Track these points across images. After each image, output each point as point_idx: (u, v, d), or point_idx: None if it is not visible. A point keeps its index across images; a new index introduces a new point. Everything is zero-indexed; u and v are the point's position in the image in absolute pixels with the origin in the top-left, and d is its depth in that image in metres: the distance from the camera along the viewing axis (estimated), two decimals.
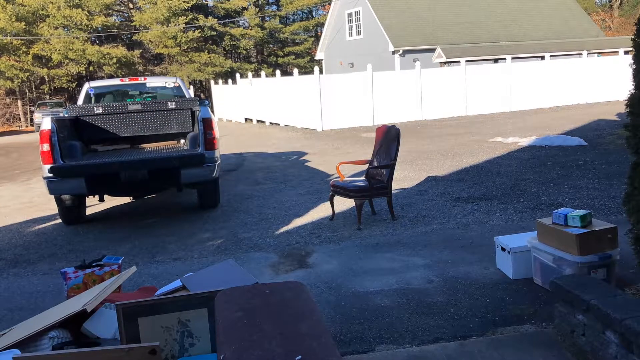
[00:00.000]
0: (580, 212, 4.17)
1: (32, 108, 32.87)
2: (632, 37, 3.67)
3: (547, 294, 4.11)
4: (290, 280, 4.65)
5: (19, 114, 35.20)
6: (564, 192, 7.42)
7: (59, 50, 31.87)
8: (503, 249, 4.63)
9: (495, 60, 22.78)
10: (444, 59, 22.70)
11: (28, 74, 32.68)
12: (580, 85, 21.75)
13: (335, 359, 1.19)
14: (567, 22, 27.93)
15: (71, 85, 34.63)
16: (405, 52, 23.54)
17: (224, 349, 1.27)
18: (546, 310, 3.88)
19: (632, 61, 3.69)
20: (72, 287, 4.19)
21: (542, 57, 22.48)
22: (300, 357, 1.21)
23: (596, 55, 24.32)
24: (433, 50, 23.55)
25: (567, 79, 21.54)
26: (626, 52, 22.64)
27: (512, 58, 21.48)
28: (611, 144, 11.15)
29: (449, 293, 4.33)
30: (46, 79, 34.91)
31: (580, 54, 22.70)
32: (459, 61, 21.61)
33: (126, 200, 8.73)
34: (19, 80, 32.50)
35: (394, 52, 23.52)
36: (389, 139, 6.58)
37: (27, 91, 35.82)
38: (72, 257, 6.03)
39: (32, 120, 32.36)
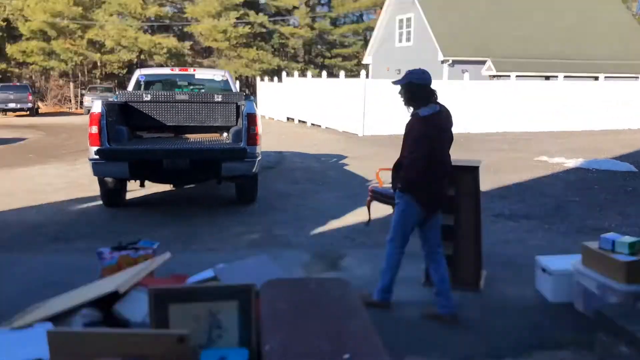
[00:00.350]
0: (630, 238, 3.98)
1: (83, 91, 33.82)
2: None
3: (587, 321, 3.93)
4: (338, 277, 4.58)
5: (70, 96, 36.29)
6: (610, 218, 7.14)
7: (113, 36, 32.74)
8: (544, 270, 4.48)
9: (547, 77, 22.23)
10: (494, 72, 22.30)
11: (82, 57, 33.67)
12: (634, 109, 20.98)
13: None
14: (625, 43, 27.03)
15: (122, 71, 35.50)
16: (454, 62, 23.23)
17: (270, 340, 1.22)
18: (586, 339, 3.71)
19: None
20: (106, 268, 4.24)
21: (596, 78, 21.83)
22: (348, 355, 1.16)
23: None
24: (483, 62, 23.16)
25: (620, 102, 20.80)
26: None
27: (565, 76, 20.92)
28: None
29: (484, 310, 4.20)
30: (98, 64, 35.87)
31: (637, 77, 21.93)
32: (509, 75, 21.18)
33: (166, 188, 8.85)
34: (73, 64, 33.51)
35: (443, 62, 23.23)
36: None
37: (79, 74, 36.90)
38: (110, 238, 6.11)
39: (81, 102, 33.30)
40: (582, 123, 20.41)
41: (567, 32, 26.50)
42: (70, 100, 36.15)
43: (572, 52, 25.45)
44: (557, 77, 20.77)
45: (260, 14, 36.84)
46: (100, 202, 7.75)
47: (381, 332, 3.81)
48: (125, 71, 35.63)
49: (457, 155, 14.09)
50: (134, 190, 8.64)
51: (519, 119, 19.80)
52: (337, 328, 1.30)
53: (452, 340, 3.70)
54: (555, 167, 11.48)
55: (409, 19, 26.29)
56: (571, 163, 11.77)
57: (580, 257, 4.24)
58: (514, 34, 25.25)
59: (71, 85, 36.37)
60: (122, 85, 37.65)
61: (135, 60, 35.20)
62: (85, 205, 7.79)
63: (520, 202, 8.08)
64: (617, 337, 3.15)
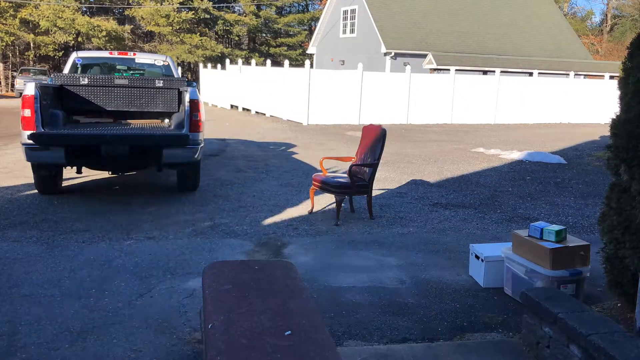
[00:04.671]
0: (556, 227, 4.23)
1: (15, 73, 32.18)
2: (623, 61, 3.73)
3: (516, 305, 4.17)
4: (280, 259, 4.64)
5: (0, 78, 34.45)
6: (540, 207, 7.53)
7: (48, 17, 31.25)
8: (477, 257, 4.69)
9: (484, 72, 22.98)
10: (434, 66, 22.82)
11: (13, 38, 31.99)
12: (565, 105, 22.10)
13: (324, 337, 1.19)
14: (557, 42, 28.30)
15: (57, 54, 34.00)
16: (396, 55, 23.61)
17: (213, 318, 1.26)
18: (514, 320, 3.94)
19: (620, 84, 3.76)
20: None
21: (531, 74, 22.76)
22: (289, 332, 1.21)
23: (582, 77, 24.71)
24: (424, 55, 23.66)
25: (552, 97, 21.87)
26: (612, 77, 23.05)
27: (501, 72, 21.69)
28: (589, 165, 11.34)
29: (420, 295, 4.37)
30: (32, 46, 34.21)
31: (568, 74, 23.03)
32: (448, 69, 21.75)
33: (104, 175, 8.62)
34: (4, 44, 31.79)
35: (385, 54, 23.56)
36: (375, 139, 6.61)
37: (10, 55, 35.08)
38: (45, 226, 5.94)
39: (13, 85, 31.68)
40: (517, 116, 21.32)
41: (503, 28, 27.47)
42: (0, 83, 34.35)
43: (508, 48, 26.42)
44: (494, 72, 21.51)
45: (205, 0, 36.10)
46: (34, 189, 7.47)
47: (322, 317, 3.91)
48: (61, 54, 34.14)
49: (398, 145, 14.33)
50: (71, 178, 8.37)
51: (459, 111, 20.42)
52: (279, 306, 1.35)
53: (391, 324, 3.84)
54: (491, 158, 11.94)
55: (353, 11, 26.48)
56: (506, 155, 12.27)
57: (511, 245, 4.48)
58: (453, 29, 25.93)
59: (1, 66, 34.54)
60: (58, 68, 36.06)
61: (72, 42, 33.76)
62: (17, 193, 7.48)
63: (456, 191, 8.37)
64: (541, 319, 3.36)
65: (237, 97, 24.05)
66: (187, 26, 34.95)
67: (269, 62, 22.73)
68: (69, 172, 8.05)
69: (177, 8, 33.62)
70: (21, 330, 3.60)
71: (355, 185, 6.41)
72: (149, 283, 4.45)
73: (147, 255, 5.11)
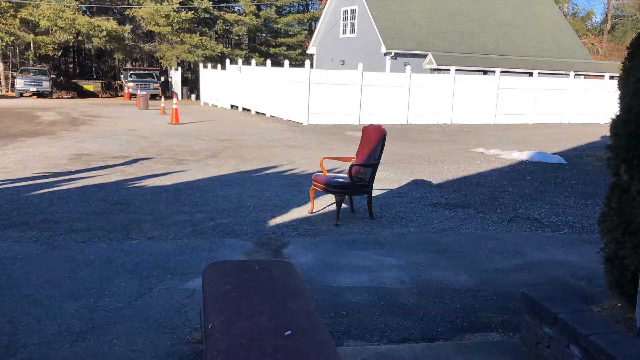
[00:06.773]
0: None
1: (15, 73, 32.16)
2: (623, 61, 3.73)
3: (516, 305, 4.17)
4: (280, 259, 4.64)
5: (0, 78, 34.41)
6: (540, 207, 7.53)
7: (48, 16, 31.23)
8: None
9: (484, 72, 22.97)
10: (435, 66, 22.81)
11: (14, 38, 31.96)
12: (565, 105, 22.11)
13: (324, 337, 1.20)
14: (557, 42, 28.29)
15: (57, 53, 33.97)
16: (397, 55, 23.60)
17: (212, 318, 1.26)
18: (514, 320, 3.94)
19: (620, 85, 3.75)
20: None
21: (531, 74, 22.75)
22: (289, 332, 1.21)
23: (583, 77, 24.71)
24: (424, 56, 23.65)
25: (552, 97, 21.88)
26: (612, 77, 23.04)
27: (501, 72, 21.69)
28: (590, 165, 11.34)
29: (420, 295, 4.37)
30: (32, 45, 34.18)
31: (568, 74, 23.02)
32: (448, 69, 21.74)
33: (106, 174, 8.62)
34: (4, 44, 31.77)
35: (385, 54, 23.55)
36: (375, 139, 6.61)
37: (10, 55, 35.05)
38: (45, 226, 5.94)
39: (13, 85, 31.65)
40: (517, 117, 21.33)
41: (503, 28, 27.47)
42: (0, 83, 34.34)
43: (509, 48, 26.41)
44: (494, 72, 21.50)
45: (205, 0, 36.08)
46: (34, 190, 7.46)
47: (322, 317, 3.91)
48: (60, 53, 34.11)
49: (398, 146, 14.34)
50: (71, 177, 8.37)
51: (459, 111, 20.43)
52: (279, 306, 1.35)
53: (391, 324, 3.84)
54: (491, 158, 11.93)
55: (353, 11, 26.47)
56: (506, 155, 12.26)
57: None
58: (453, 29, 25.92)
59: (1, 66, 34.53)
60: (58, 68, 36.11)
61: (73, 42, 33.74)
62: (17, 193, 7.48)
63: (456, 191, 8.37)
64: (541, 319, 3.36)
65: (237, 97, 24.05)
66: (187, 26, 34.91)
67: (269, 62, 22.72)
68: (74, 173, 8.06)
69: (177, 8, 33.60)
70: (21, 330, 3.60)
71: (356, 185, 6.41)
72: (149, 283, 4.45)
73: (147, 255, 5.11)
